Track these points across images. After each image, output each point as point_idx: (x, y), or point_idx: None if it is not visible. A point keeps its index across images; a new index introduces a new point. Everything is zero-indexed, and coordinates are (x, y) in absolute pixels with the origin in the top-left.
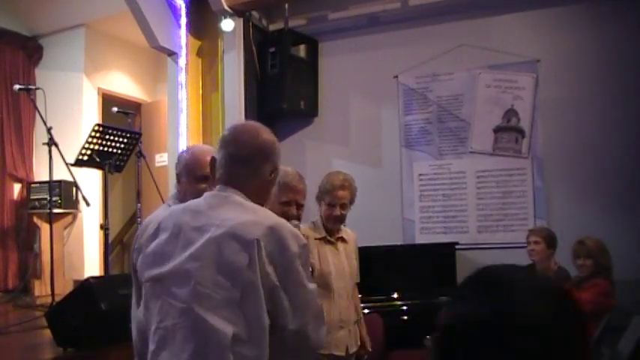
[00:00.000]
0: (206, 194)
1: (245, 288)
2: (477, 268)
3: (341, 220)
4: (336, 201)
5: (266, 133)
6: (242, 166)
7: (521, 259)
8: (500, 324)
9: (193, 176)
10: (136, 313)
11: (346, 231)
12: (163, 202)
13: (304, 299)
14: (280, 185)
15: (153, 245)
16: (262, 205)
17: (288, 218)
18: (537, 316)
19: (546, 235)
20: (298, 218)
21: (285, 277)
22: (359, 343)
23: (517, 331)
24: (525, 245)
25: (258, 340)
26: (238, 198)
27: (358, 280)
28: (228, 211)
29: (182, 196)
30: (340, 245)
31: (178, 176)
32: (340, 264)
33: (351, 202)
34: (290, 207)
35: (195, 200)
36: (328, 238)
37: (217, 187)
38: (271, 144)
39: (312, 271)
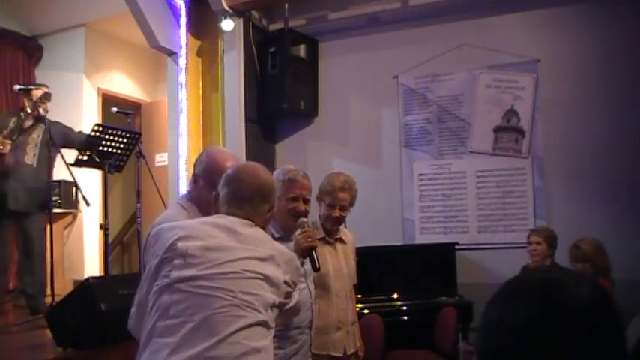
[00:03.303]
0: (230, 218)
1: (280, 295)
2: (520, 273)
3: (340, 221)
4: (337, 202)
5: (264, 174)
6: (245, 204)
7: (522, 259)
8: (551, 321)
9: (213, 186)
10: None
11: (344, 232)
12: (163, 202)
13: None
14: (285, 182)
15: (183, 248)
16: None
17: (297, 215)
18: (585, 309)
19: (548, 236)
20: (305, 214)
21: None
22: (358, 343)
23: (568, 326)
24: (525, 245)
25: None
26: (259, 229)
27: (356, 282)
28: (259, 235)
29: (197, 199)
30: (339, 246)
31: (196, 177)
32: (338, 264)
33: (351, 204)
34: (297, 203)
35: (221, 220)
36: (327, 238)
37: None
38: (270, 185)
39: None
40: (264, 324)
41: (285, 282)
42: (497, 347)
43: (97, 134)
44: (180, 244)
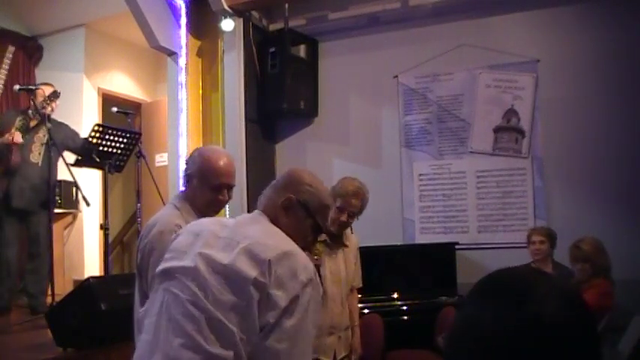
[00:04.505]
0: (250, 214)
1: (249, 300)
2: (494, 271)
3: (345, 226)
4: (347, 207)
5: (303, 172)
6: (268, 188)
7: (522, 259)
8: (525, 329)
9: (208, 185)
10: (137, 309)
11: (348, 235)
12: (163, 202)
13: (295, 335)
14: None
15: (172, 243)
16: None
17: None
18: (560, 320)
19: (550, 235)
20: None
21: (291, 304)
22: (349, 348)
23: (542, 336)
24: (525, 245)
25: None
26: (266, 221)
27: (360, 285)
28: (251, 230)
29: (192, 198)
30: (339, 250)
31: (189, 177)
32: (337, 268)
33: (360, 211)
34: None
35: (238, 216)
36: (328, 241)
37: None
38: (299, 178)
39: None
40: (220, 329)
41: (256, 279)
42: (466, 355)
43: (95, 138)
44: (175, 238)
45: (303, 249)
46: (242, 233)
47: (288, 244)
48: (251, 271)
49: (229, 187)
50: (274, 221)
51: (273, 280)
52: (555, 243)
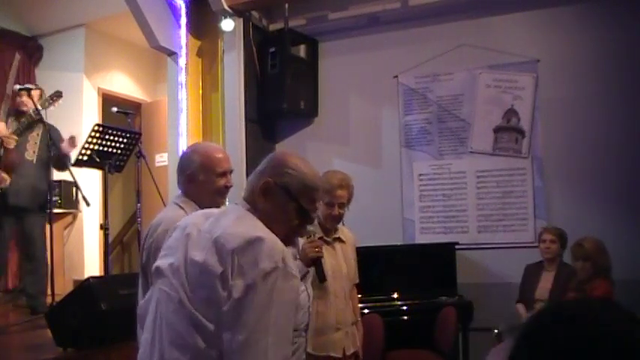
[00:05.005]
0: (234, 204)
1: (219, 296)
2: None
3: (339, 219)
4: (335, 200)
5: (287, 156)
6: (251, 176)
7: (522, 259)
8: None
9: (215, 175)
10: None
11: (343, 231)
12: (163, 202)
13: (256, 326)
14: None
15: (168, 240)
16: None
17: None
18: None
19: (561, 235)
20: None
21: (248, 293)
22: (357, 344)
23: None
24: (526, 245)
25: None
26: (242, 209)
27: (357, 281)
28: (226, 220)
29: (197, 195)
30: (337, 245)
31: (191, 176)
32: (337, 264)
33: (349, 201)
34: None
35: (223, 207)
36: (325, 238)
37: None
38: (282, 162)
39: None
40: (201, 327)
41: (221, 274)
42: None
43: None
44: (170, 235)
45: (290, 235)
46: (218, 224)
47: (257, 231)
48: (217, 266)
49: (231, 172)
50: (253, 207)
51: (236, 270)
52: (566, 244)
